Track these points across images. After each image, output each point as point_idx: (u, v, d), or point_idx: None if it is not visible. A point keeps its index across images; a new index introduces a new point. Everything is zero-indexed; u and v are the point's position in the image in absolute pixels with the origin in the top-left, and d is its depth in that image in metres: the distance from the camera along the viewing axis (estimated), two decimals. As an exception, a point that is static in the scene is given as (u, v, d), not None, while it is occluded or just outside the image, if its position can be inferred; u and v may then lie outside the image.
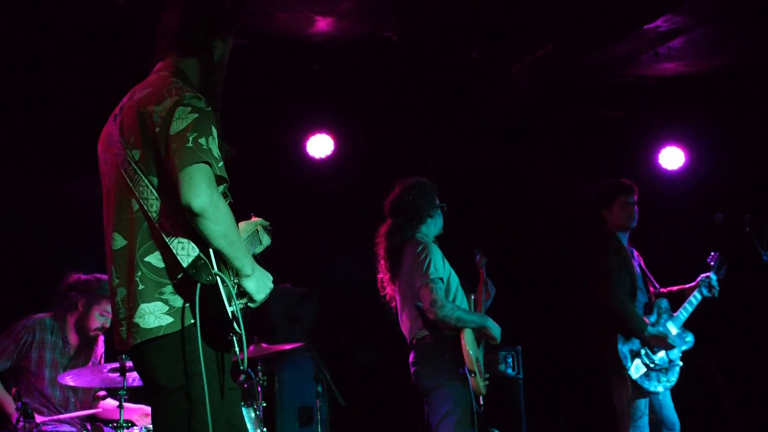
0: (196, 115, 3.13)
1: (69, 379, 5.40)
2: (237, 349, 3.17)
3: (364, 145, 8.27)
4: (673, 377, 6.16)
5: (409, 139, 8.31)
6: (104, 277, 5.77)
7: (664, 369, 6.09)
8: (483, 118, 8.13)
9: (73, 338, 5.86)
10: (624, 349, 6.00)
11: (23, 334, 5.70)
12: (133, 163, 3.22)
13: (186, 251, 3.11)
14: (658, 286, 6.37)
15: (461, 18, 6.60)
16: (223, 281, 3.10)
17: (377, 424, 7.96)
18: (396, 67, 7.28)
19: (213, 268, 3.09)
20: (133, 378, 5.38)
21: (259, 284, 3.26)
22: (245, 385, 6.13)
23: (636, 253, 6.43)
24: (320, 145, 7.90)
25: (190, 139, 3.07)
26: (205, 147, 3.08)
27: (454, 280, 5.49)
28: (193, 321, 3.13)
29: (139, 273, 3.18)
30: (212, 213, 3.03)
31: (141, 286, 3.17)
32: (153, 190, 3.19)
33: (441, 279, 5.31)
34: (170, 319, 3.16)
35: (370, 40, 6.80)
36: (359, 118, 8.05)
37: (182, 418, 3.16)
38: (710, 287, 6.31)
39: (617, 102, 8.26)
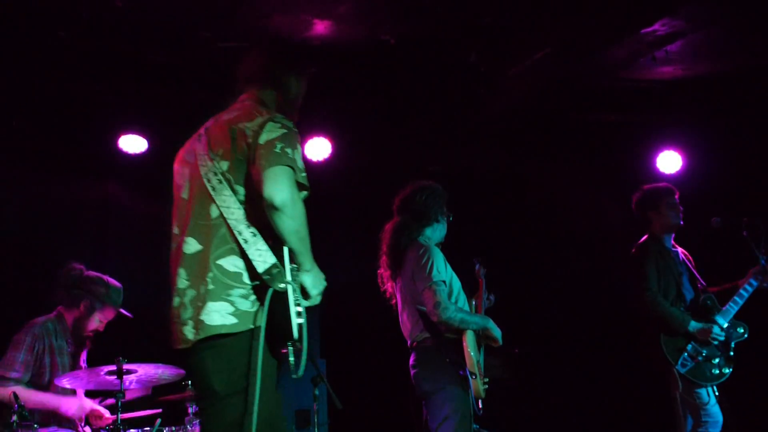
0: (285, 131, 3.47)
1: (65, 382, 5.36)
2: (292, 359, 3.41)
3: (362, 148, 8.27)
4: (728, 369, 6.21)
5: (407, 142, 8.31)
6: (114, 282, 5.81)
7: (715, 359, 6.15)
8: (480, 122, 8.14)
9: (69, 337, 5.84)
10: (668, 346, 6.12)
11: (35, 343, 5.61)
12: (219, 174, 3.48)
13: (263, 258, 3.34)
14: (705, 284, 6.43)
15: (459, 21, 6.60)
16: (294, 291, 3.35)
17: (375, 427, 7.96)
18: (393, 70, 7.28)
19: (286, 278, 3.33)
20: (130, 381, 5.37)
21: (315, 280, 3.56)
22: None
23: (682, 253, 6.52)
24: (318, 148, 7.90)
25: (278, 146, 3.39)
26: (290, 156, 3.40)
27: (456, 282, 5.48)
28: (257, 326, 3.35)
29: (211, 274, 3.40)
30: (291, 209, 3.31)
31: (211, 286, 3.38)
32: (236, 200, 3.44)
33: (443, 282, 5.31)
34: (234, 320, 3.36)
35: (368, 43, 6.80)
36: (357, 121, 8.05)
37: (232, 424, 3.33)
38: (764, 274, 6.33)
39: (615, 106, 8.26)
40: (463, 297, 5.49)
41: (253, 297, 3.38)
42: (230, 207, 3.42)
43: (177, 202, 3.69)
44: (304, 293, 3.50)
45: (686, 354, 6.10)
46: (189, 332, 3.42)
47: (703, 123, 8.38)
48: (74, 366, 5.76)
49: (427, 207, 5.61)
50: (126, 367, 5.19)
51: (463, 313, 5.30)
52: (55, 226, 7.38)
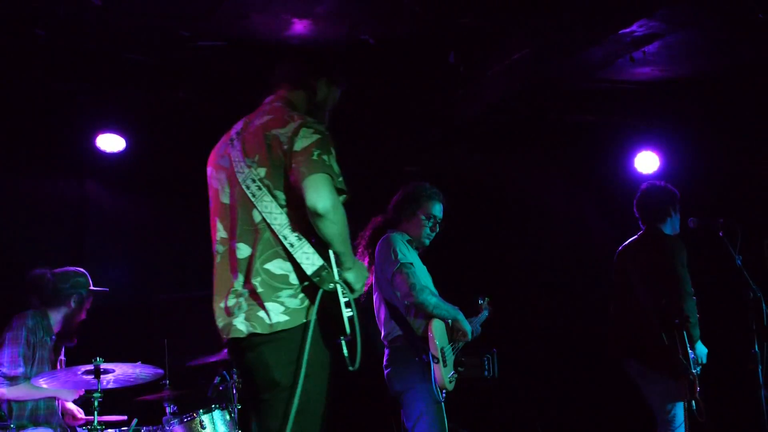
0: (319, 136, 3.63)
1: (42, 382, 5.34)
2: (346, 351, 3.61)
3: (340, 147, 8.24)
4: None
5: (385, 142, 8.31)
6: (81, 269, 5.88)
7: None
8: (459, 122, 8.15)
9: (53, 333, 5.83)
10: (691, 351, 5.85)
11: (29, 336, 5.60)
12: (257, 180, 3.62)
13: (311, 261, 3.51)
14: None
15: (438, 21, 6.61)
16: (343, 289, 3.54)
17: (354, 425, 7.95)
18: (373, 69, 7.28)
19: (335, 277, 3.52)
20: (108, 381, 5.35)
21: (358, 275, 3.67)
22: (220, 388, 6.12)
23: None
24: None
25: (315, 153, 3.55)
26: (327, 163, 3.57)
27: (417, 262, 5.53)
28: (307, 320, 3.54)
29: (260, 278, 3.57)
30: (333, 215, 3.46)
31: (260, 289, 3.56)
32: (277, 204, 3.58)
33: (411, 263, 5.37)
34: (286, 318, 3.54)
35: (348, 42, 6.80)
36: (335, 121, 8.02)
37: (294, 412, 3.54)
38: None
39: (593, 106, 8.29)
40: (428, 277, 5.54)
41: (301, 295, 3.56)
42: (272, 212, 3.57)
43: (216, 206, 3.82)
44: (349, 287, 3.63)
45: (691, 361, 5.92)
46: (243, 326, 3.58)
47: (680, 124, 8.43)
48: (55, 360, 5.76)
49: (396, 211, 5.71)
50: (103, 366, 5.17)
51: (437, 298, 5.38)
52: (31, 225, 7.34)
